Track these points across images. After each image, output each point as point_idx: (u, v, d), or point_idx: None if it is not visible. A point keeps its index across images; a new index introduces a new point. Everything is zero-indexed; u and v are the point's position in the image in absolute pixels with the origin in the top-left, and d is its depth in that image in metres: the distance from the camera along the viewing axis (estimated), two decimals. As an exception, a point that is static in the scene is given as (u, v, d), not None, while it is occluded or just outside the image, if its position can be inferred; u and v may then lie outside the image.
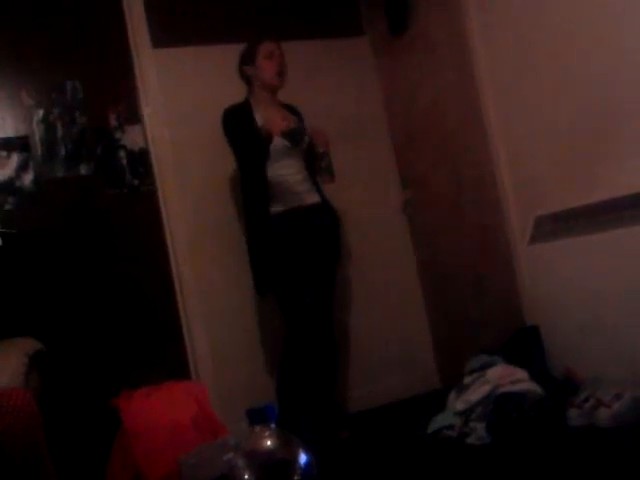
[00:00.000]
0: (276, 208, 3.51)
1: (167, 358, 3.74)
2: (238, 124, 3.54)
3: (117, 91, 3.83)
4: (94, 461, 3.20)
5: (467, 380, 3.26)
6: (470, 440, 3.00)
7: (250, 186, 3.57)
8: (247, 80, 3.67)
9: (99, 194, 3.74)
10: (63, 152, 3.70)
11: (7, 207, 3.57)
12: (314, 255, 3.59)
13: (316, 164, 3.58)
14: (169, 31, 3.95)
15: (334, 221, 3.71)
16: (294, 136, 3.49)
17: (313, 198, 3.61)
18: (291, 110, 3.75)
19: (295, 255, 3.51)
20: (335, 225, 3.71)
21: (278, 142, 3.47)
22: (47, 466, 2.11)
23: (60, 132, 3.70)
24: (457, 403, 3.21)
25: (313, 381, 3.55)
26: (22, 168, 3.61)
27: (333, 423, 3.57)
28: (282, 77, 3.64)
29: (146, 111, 3.87)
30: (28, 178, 3.62)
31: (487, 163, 3.71)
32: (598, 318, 3.11)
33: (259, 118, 3.54)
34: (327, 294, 3.65)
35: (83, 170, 3.73)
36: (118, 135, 3.81)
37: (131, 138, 3.83)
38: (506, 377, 3.13)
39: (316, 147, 3.55)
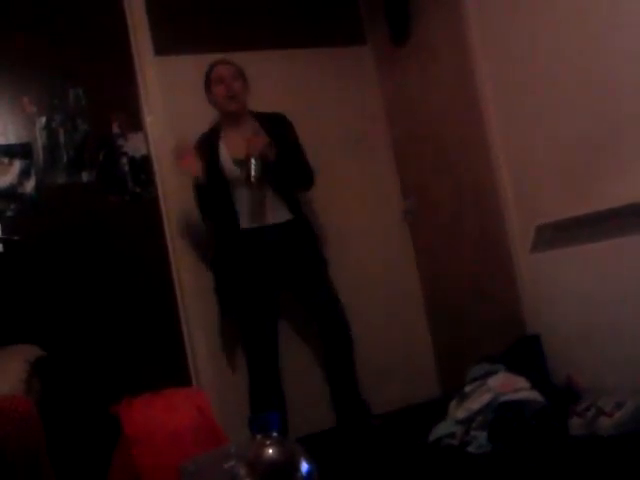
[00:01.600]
0: (243, 226, 3.52)
1: (168, 365, 3.74)
2: (204, 156, 3.53)
3: (119, 98, 3.84)
4: (95, 468, 3.20)
5: (468, 388, 3.25)
6: (471, 449, 2.99)
7: (211, 215, 3.61)
8: (214, 105, 3.66)
9: (101, 201, 3.75)
10: (65, 159, 3.70)
11: (9, 214, 3.58)
12: (278, 273, 3.59)
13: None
14: (171, 39, 3.95)
15: (305, 236, 3.65)
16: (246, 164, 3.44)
17: (277, 217, 3.55)
18: (269, 120, 3.64)
19: (253, 277, 3.54)
20: (306, 239, 3.65)
21: (234, 171, 3.50)
22: (48, 472, 2.12)
23: (62, 139, 3.71)
24: (458, 411, 3.20)
25: (331, 381, 3.69)
26: (24, 175, 3.62)
27: (365, 414, 3.65)
28: (233, 100, 3.56)
29: (148, 118, 3.88)
30: (30, 185, 3.63)
31: (488, 172, 3.71)
32: (599, 326, 3.11)
33: (223, 148, 3.55)
34: (317, 304, 3.66)
35: (85, 177, 3.74)
36: (120, 142, 3.82)
37: (133, 145, 3.84)
38: (507, 386, 3.13)
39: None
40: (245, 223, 3.53)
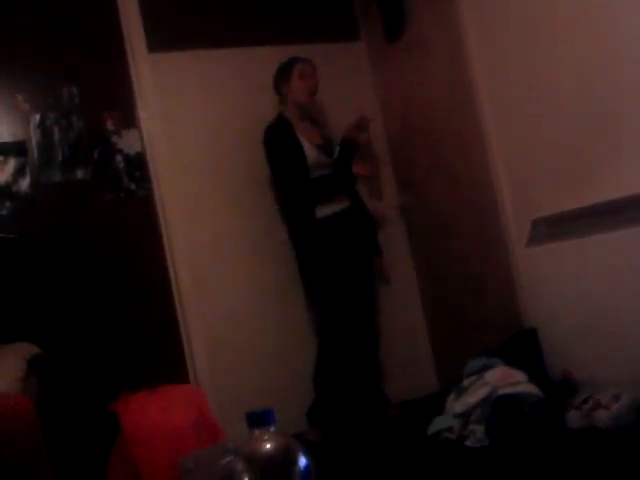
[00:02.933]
0: (320, 213, 3.74)
1: (165, 362, 3.74)
2: (287, 150, 3.74)
3: (113, 95, 3.84)
4: (93, 466, 3.19)
5: (466, 382, 3.26)
6: (469, 442, 3.00)
7: (299, 197, 3.77)
8: (282, 96, 3.87)
9: (96, 198, 3.74)
10: (60, 157, 3.70)
11: (4, 212, 3.57)
12: (348, 256, 3.81)
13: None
14: (165, 36, 3.94)
15: (366, 223, 3.95)
16: (329, 149, 3.83)
17: (347, 202, 3.84)
18: (316, 121, 3.97)
19: (334, 256, 3.75)
20: (367, 226, 3.96)
21: (315, 156, 3.76)
22: (45, 471, 2.11)
23: (57, 137, 3.70)
24: (456, 405, 3.20)
25: (356, 370, 3.84)
26: (19, 173, 3.61)
27: (382, 405, 3.88)
28: (313, 97, 3.87)
29: (142, 115, 3.87)
30: (25, 183, 3.62)
31: (484, 166, 3.71)
32: (596, 319, 3.12)
33: (302, 138, 3.77)
34: (362, 291, 3.88)
35: (80, 174, 3.73)
36: (115, 139, 3.81)
37: (128, 142, 3.83)
38: (505, 379, 3.13)
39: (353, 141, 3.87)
40: (325, 210, 3.75)
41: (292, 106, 3.84)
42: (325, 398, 3.73)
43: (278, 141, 3.77)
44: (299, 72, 3.80)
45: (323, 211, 3.74)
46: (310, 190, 3.74)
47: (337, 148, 3.88)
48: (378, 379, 3.95)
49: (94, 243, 3.70)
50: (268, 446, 1.20)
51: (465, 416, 3.12)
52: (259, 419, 1.23)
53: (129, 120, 3.85)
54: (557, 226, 3.35)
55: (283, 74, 3.84)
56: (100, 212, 3.74)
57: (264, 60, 3.96)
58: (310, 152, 3.74)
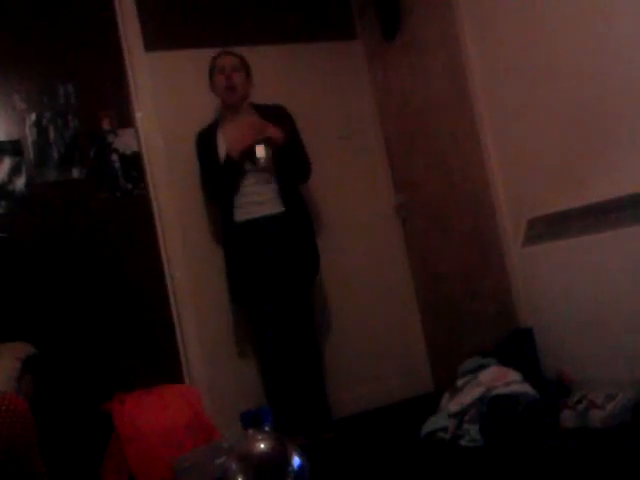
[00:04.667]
0: (239, 218, 3.60)
1: (160, 361, 3.73)
2: (203, 151, 3.68)
3: (110, 95, 3.83)
4: (87, 466, 3.19)
5: (460, 382, 3.26)
6: (463, 442, 3.00)
7: (217, 201, 3.72)
8: (215, 94, 3.75)
9: (92, 198, 3.73)
10: (56, 156, 3.69)
11: (-1, 211, 3.57)
12: (273, 266, 3.60)
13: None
14: (161, 35, 3.95)
15: (298, 231, 3.66)
16: (251, 156, 3.53)
17: (274, 208, 3.60)
18: (270, 112, 3.71)
19: (256, 266, 3.60)
20: (299, 235, 3.66)
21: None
22: (39, 471, 2.11)
23: (53, 136, 3.70)
24: (450, 405, 3.21)
25: (300, 382, 3.59)
26: (14, 172, 3.60)
27: (320, 425, 3.56)
28: (231, 92, 3.65)
29: (139, 115, 3.87)
30: (20, 182, 3.61)
31: (479, 166, 3.72)
32: (591, 319, 3.12)
33: (221, 138, 3.64)
34: (295, 303, 3.62)
35: (75, 174, 3.73)
36: (111, 139, 3.80)
37: (124, 142, 3.83)
38: (499, 379, 3.14)
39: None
40: (241, 215, 3.59)
41: (221, 105, 3.74)
42: (279, 411, 3.47)
43: (198, 147, 3.74)
44: (218, 67, 3.67)
45: (238, 216, 3.62)
46: (221, 194, 3.65)
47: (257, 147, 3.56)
48: (322, 396, 3.63)
49: (90, 242, 3.70)
50: (262, 446, 1.20)
51: (459, 416, 3.13)
52: (253, 418, 1.23)
53: (125, 119, 3.84)
54: (553, 226, 3.36)
55: (209, 71, 3.72)
56: (96, 211, 3.73)
57: (261, 59, 3.95)
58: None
